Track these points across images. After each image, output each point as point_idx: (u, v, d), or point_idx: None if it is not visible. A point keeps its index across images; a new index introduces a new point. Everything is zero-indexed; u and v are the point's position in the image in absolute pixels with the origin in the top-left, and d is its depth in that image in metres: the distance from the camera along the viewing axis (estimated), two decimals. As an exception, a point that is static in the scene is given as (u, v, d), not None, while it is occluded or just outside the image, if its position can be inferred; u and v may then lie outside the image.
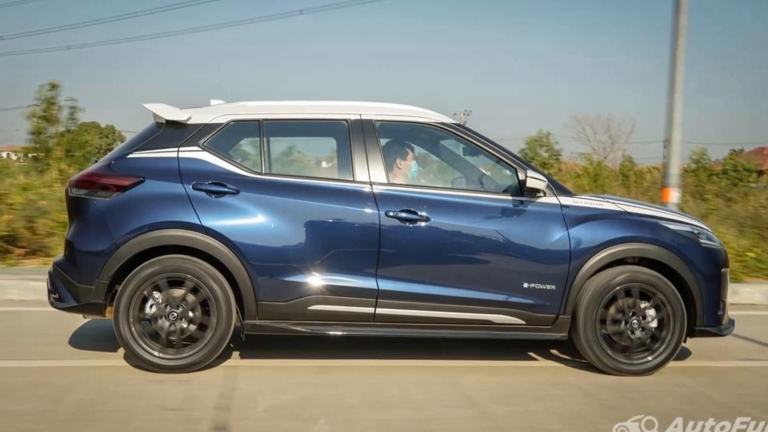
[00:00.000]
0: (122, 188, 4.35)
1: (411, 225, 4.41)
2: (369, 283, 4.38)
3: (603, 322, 4.52)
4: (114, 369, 4.41)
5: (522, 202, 4.54)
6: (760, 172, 32.09)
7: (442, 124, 4.73)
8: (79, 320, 5.30)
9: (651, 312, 4.54)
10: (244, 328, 4.44)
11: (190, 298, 4.32)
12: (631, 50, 77.93)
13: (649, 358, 4.56)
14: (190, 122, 4.53)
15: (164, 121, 4.54)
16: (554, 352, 5.13)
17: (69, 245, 4.44)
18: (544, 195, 4.56)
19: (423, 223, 4.41)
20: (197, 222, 4.30)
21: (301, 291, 4.35)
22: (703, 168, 28.77)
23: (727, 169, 30.48)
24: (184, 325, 4.31)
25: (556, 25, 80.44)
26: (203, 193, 4.36)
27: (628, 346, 4.55)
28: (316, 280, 4.35)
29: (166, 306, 4.30)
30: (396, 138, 5.00)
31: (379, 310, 4.40)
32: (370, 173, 4.49)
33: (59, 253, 4.76)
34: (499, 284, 4.45)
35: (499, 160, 4.70)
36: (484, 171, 5.03)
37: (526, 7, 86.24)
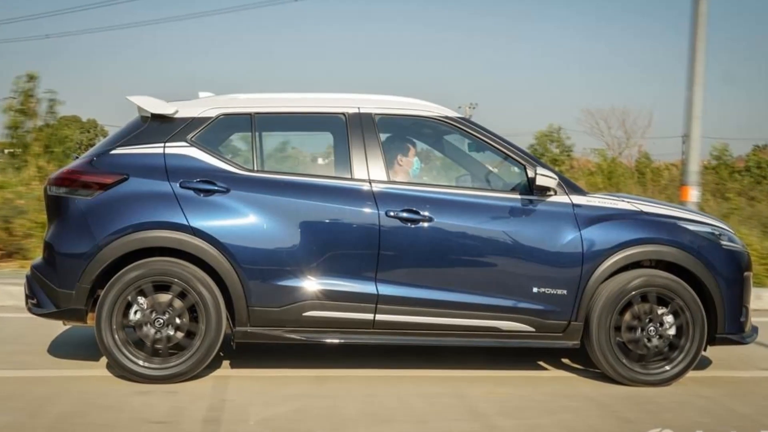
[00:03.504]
0: (105, 186, 4.35)
1: (413, 225, 4.41)
2: (368, 288, 4.38)
3: (618, 329, 4.52)
4: (96, 379, 4.41)
5: (531, 202, 4.54)
6: (786, 169, 32.07)
7: (446, 118, 4.74)
8: (58, 327, 5.29)
9: (669, 318, 4.55)
10: (234, 335, 4.44)
11: (177, 303, 4.32)
12: (649, 38, 77.95)
13: (667, 367, 4.57)
14: (177, 116, 4.53)
15: (149, 115, 4.54)
16: (566, 361, 5.13)
17: (48, 247, 4.44)
18: (555, 194, 4.56)
19: (425, 224, 4.41)
20: (185, 222, 4.30)
21: (296, 296, 4.35)
22: (724, 165, 28.73)
23: (751, 165, 30.45)
24: (171, 333, 4.30)
25: (569, 11, 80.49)
26: (191, 192, 4.36)
27: (645, 355, 4.55)
28: (311, 284, 4.35)
29: (151, 312, 4.30)
30: (397, 133, 5.01)
31: (379, 317, 4.40)
32: (369, 170, 4.49)
33: (37, 256, 4.76)
34: (507, 289, 4.45)
35: (506, 157, 4.70)
36: (490, 168, 5.04)
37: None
